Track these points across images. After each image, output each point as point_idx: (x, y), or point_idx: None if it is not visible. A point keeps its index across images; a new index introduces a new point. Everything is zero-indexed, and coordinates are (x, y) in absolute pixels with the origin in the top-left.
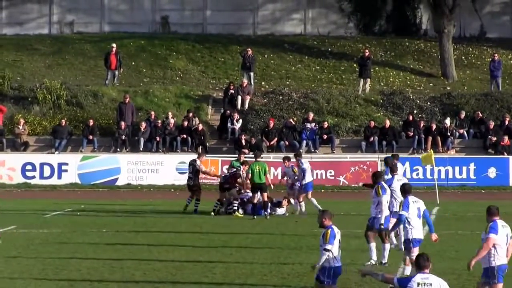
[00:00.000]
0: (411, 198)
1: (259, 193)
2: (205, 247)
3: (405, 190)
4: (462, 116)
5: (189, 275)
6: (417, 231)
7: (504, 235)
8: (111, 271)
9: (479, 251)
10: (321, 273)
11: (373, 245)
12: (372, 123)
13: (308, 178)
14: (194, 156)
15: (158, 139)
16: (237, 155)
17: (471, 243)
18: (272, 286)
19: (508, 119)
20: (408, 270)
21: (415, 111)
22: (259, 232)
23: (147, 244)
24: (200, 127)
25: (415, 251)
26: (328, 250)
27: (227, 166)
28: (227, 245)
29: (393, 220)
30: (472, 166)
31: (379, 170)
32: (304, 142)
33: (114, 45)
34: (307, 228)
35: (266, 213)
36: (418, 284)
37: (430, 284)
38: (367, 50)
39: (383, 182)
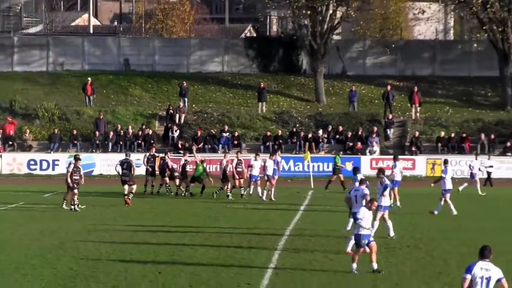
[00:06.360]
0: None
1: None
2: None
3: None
4: (329, 129)
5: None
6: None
7: None
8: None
9: None
10: None
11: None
12: (268, 133)
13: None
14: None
15: (121, 143)
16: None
17: (339, 217)
18: (202, 244)
19: (360, 130)
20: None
21: (297, 125)
22: (184, 210)
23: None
24: (150, 134)
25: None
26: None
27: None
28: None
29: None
30: None
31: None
32: (221, 146)
33: (89, 78)
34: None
35: (201, 194)
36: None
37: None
38: (262, 83)
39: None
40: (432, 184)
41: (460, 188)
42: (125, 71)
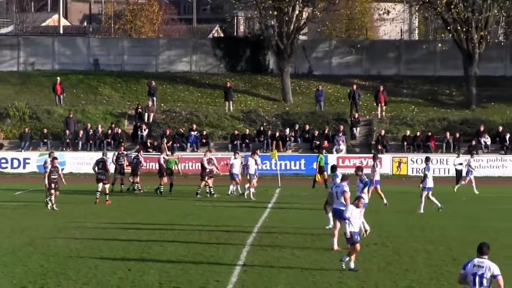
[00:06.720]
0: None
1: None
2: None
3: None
4: (296, 127)
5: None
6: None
7: None
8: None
9: None
10: None
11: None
12: (236, 132)
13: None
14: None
15: (91, 142)
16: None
17: (306, 215)
18: (171, 241)
19: (327, 129)
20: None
21: (264, 124)
22: (153, 208)
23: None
24: (119, 133)
25: None
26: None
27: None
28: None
29: None
30: (302, 161)
31: None
32: (189, 144)
33: (58, 78)
34: (188, 202)
35: (171, 192)
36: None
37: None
38: (228, 82)
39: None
40: (420, 185)
41: (475, 190)
42: (94, 70)
